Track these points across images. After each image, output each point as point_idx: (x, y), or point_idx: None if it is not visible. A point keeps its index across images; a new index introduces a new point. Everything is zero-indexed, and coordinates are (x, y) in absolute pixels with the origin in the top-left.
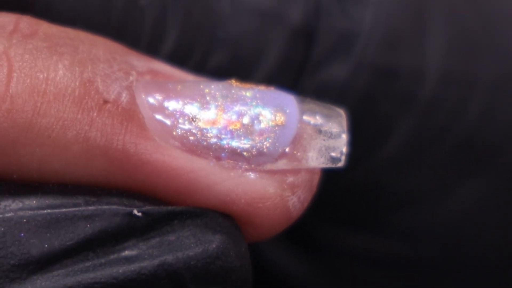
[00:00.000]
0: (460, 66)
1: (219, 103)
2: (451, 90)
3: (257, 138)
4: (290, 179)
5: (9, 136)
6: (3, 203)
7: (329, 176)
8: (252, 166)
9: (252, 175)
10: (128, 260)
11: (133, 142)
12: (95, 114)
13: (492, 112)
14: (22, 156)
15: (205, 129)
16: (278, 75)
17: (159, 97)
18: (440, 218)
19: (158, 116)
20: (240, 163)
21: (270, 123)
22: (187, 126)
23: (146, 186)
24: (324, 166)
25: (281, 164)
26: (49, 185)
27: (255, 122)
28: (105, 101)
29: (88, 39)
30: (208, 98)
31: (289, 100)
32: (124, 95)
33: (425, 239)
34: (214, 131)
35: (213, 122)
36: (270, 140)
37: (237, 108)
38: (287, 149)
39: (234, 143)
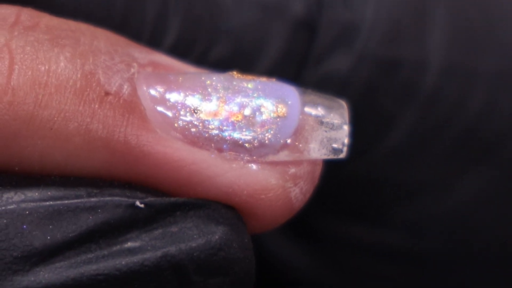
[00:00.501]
0: (461, 59)
1: (221, 95)
2: (453, 82)
3: (258, 129)
4: (292, 170)
5: (11, 128)
6: (5, 195)
7: (331, 167)
8: (254, 157)
9: (254, 166)
10: (131, 251)
11: (134, 134)
12: (96, 106)
13: (493, 104)
14: (24, 148)
15: (207, 120)
16: (280, 67)
17: (160, 89)
18: (442, 210)
19: (160, 108)
20: (242, 155)
21: (272, 115)
22: (188, 117)
23: (148, 178)
24: (326, 157)
25: (283, 156)
26: (51, 177)
27: (257, 113)
28: (107, 93)
29: (90, 31)
30: (209, 89)
31: (290, 91)
32: (125, 87)
33: (427, 230)
34: (216, 123)
35: (215, 114)
36: (271, 132)
37: (239, 99)
38: (288, 141)
39: (236, 135)
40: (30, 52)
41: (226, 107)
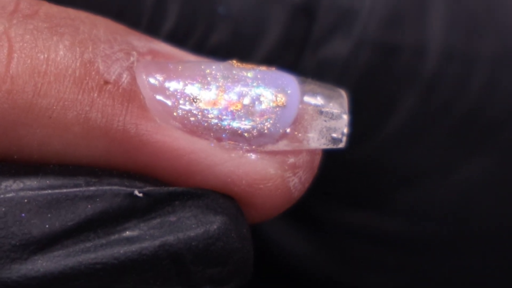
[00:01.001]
0: (461, 42)
1: (220, 84)
2: (453, 66)
3: (258, 119)
4: (291, 160)
5: (10, 116)
6: (4, 184)
7: (331, 154)
8: (253, 147)
9: (253, 156)
10: (129, 240)
11: (133, 123)
12: (95, 94)
13: (494, 88)
14: (23, 136)
15: (206, 109)
16: (280, 52)
17: (159, 77)
18: (444, 196)
19: (159, 97)
20: (241, 144)
21: (271, 104)
22: (188, 107)
23: (147, 167)
24: (325, 147)
25: (282, 145)
26: (50, 166)
27: (256, 103)
28: (106, 82)
29: (89, 19)
30: (209, 78)
31: (290, 80)
32: (124, 75)
33: (428, 216)
34: (215, 112)
35: (214, 103)
36: (271, 121)
37: (238, 88)
38: (288, 130)
39: (235, 124)
40: (29, 40)
41: (226, 96)
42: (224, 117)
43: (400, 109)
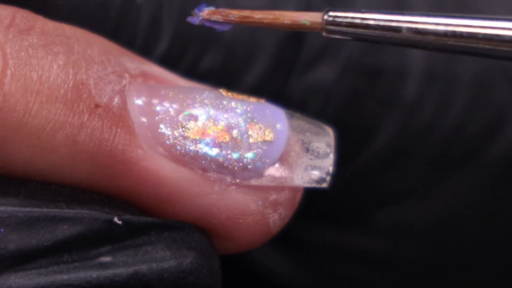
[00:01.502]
0: (442, 64)
1: (210, 114)
2: (433, 88)
3: (245, 152)
4: (273, 196)
5: None
6: None
7: None
8: (237, 180)
9: (236, 190)
10: (103, 266)
11: (120, 149)
12: (85, 118)
13: (474, 109)
14: (9, 154)
15: (194, 139)
16: (269, 75)
17: (150, 103)
18: (424, 216)
19: (148, 123)
20: (225, 176)
21: (259, 139)
22: (176, 135)
23: (129, 193)
24: (308, 185)
25: (266, 181)
26: (33, 183)
27: (244, 136)
28: (97, 105)
29: (84, 38)
30: (199, 108)
31: (279, 115)
32: (116, 99)
33: (409, 236)
34: (203, 142)
35: (202, 133)
36: (257, 156)
37: (227, 120)
38: (273, 166)
39: (222, 156)
40: (24, 57)
41: (214, 128)
42: (212, 148)
43: (382, 131)
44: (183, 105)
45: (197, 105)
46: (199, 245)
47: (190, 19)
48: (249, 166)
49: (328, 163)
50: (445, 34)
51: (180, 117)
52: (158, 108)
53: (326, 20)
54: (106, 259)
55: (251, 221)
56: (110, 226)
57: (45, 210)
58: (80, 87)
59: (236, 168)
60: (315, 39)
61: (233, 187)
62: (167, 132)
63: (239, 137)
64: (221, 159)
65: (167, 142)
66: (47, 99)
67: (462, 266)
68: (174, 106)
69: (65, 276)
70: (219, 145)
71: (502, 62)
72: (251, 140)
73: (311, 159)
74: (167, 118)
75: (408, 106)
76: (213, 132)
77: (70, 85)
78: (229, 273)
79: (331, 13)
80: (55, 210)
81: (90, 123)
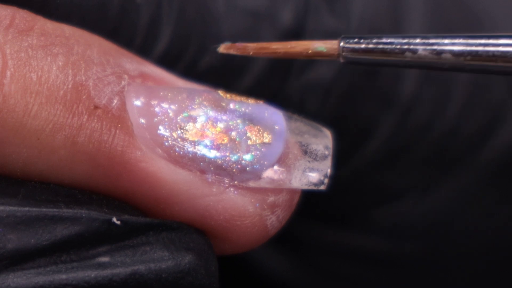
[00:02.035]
0: None
1: (209, 116)
2: (430, 87)
3: (243, 154)
4: (271, 198)
5: None
6: None
7: None
8: (235, 182)
9: (234, 192)
10: (101, 266)
11: (119, 150)
12: (84, 119)
13: (471, 108)
14: (8, 155)
15: (193, 141)
16: (268, 74)
17: (149, 105)
18: (422, 214)
19: (147, 124)
20: (223, 178)
21: (257, 141)
22: (175, 136)
23: (127, 194)
24: (306, 187)
25: (264, 183)
26: (32, 183)
27: (243, 138)
28: (96, 107)
29: (83, 39)
30: (197, 109)
31: (278, 117)
32: (115, 101)
33: (407, 235)
34: (201, 144)
35: (201, 135)
36: (256, 158)
37: (226, 122)
38: (271, 168)
39: (220, 158)
40: (23, 58)
41: (213, 129)
42: (210, 150)
43: (380, 130)
44: (182, 106)
45: (195, 106)
46: (197, 245)
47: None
48: (247, 168)
49: (326, 165)
50: (462, 53)
51: (179, 119)
52: (157, 109)
53: (343, 48)
54: (105, 259)
55: (249, 223)
56: (108, 226)
57: (44, 210)
58: (80, 88)
59: (234, 170)
60: (313, 38)
61: (231, 189)
62: (166, 133)
63: (237, 139)
64: (219, 161)
65: (166, 143)
66: (46, 100)
67: (460, 264)
68: (173, 107)
69: (64, 276)
70: (217, 147)
71: None
72: (249, 142)
73: (309, 161)
74: (166, 119)
75: (405, 105)
76: (212, 134)
77: (70, 86)
78: (228, 272)
79: (347, 40)
80: (54, 210)
81: (89, 125)
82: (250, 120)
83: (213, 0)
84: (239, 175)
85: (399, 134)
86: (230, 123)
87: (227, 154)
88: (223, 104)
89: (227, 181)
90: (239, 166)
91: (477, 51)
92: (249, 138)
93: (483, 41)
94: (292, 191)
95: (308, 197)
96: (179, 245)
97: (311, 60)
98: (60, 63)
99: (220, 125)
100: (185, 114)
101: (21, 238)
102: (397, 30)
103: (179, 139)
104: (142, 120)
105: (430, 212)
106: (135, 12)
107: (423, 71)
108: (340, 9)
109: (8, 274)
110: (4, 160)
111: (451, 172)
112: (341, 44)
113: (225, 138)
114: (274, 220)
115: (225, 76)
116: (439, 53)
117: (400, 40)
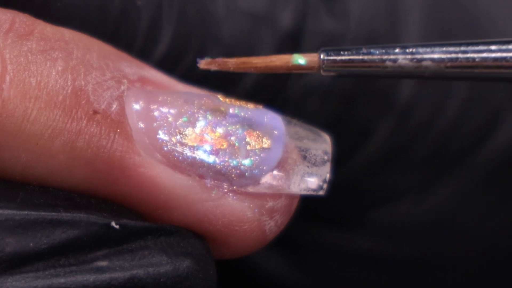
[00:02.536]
0: None
1: (208, 120)
2: (428, 89)
3: (242, 159)
4: (270, 204)
5: None
6: None
7: None
8: (234, 187)
9: (232, 197)
10: (100, 270)
11: (118, 155)
12: (83, 124)
13: (469, 109)
14: (7, 159)
15: (192, 146)
16: (267, 77)
17: (148, 109)
18: (421, 215)
19: (146, 129)
20: (222, 183)
21: (257, 146)
22: (174, 141)
23: (126, 198)
24: (305, 193)
25: (263, 188)
26: (31, 186)
27: (242, 143)
28: (95, 112)
29: (83, 43)
30: (196, 114)
31: (277, 122)
32: (114, 106)
33: (404, 236)
34: (200, 149)
35: (200, 140)
36: (255, 163)
37: (225, 127)
38: (270, 173)
39: (219, 163)
40: (23, 63)
41: (212, 134)
42: (209, 155)
43: (378, 132)
44: (181, 111)
45: (195, 111)
46: (195, 250)
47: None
48: (246, 173)
49: (325, 170)
50: (442, 60)
51: (178, 123)
52: (156, 114)
53: (322, 60)
54: (103, 263)
55: (247, 228)
56: (107, 230)
57: (43, 213)
58: (79, 93)
59: (233, 175)
60: (312, 41)
61: (230, 194)
62: (165, 138)
63: (236, 144)
64: (218, 166)
65: (165, 148)
66: (45, 105)
67: (460, 264)
68: (172, 112)
69: (62, 280)
70: (216, 152)
71: None
72: (248, 147)
73: (308, 166)
74: (165, 124)
75: (404, 105)
76: (211, 139)
77: (69, 91)
78: (227, 275)
79: (327, 53)
80: (53, 213)
81: (88, 130)
82: (249, 125)
83: (213, 2)
84: (238, 180)
85: (398, 135)
86: (229, 128)
87: (226, 159)
88: (223, 109)
89: (226, 186)
90: (238, 171)
91: (457, 58)
92: (248, 143)
93: (462, 48)
94: (291, 196)
95: (307, 199)
96: (178, 250)
97: None
98: (60, 68)
99: (219, 130)
100: (184, 118)
101: (20, 242)
102: (395, 31)
103: (178, 144)
104: (141, 125)
105: (429, 213)
106: (135, 15)
107: None
108: (339, 10)
109: (6, 278)
110: (3, 165)
111: (450, 172)
112: (321, 56)
113: (224, 143)
114: (272, 225)
115: (224, 79)
116: (419, 60)
117: (380, 50)
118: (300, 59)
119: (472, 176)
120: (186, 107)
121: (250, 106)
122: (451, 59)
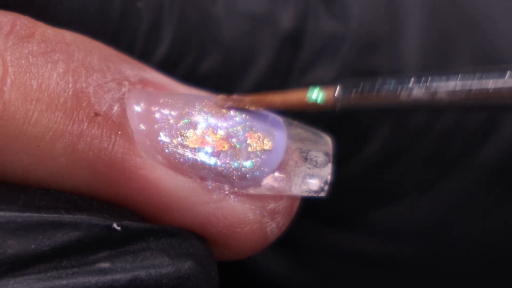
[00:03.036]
0: (436, 63)
1: (209, 122)
2: None
3: (243, 161)
4: (271, 205)
5: None
6: None
7: None
8: (236, 189)
9: (234, 199)
10: (102, 271)
11: (119, 157)
12: (85, 126)
13: (469, 109)
14: (8, 162)
15: (193, 148)
16: (268, 78)
17: (149, 111)
18: (421, 216)
19: (147, 131)
20: (224, 185)
21: (258, 148)
22: (175, 143)
23: (127, 200)
24: (306, 194)
25: (264, 190)
26: (32, 189)
27: (243, 145)
28: (96, 114)
29: (84, 45)
30: (198, 116)
31: (278, 124)
32: (115, 108)
33: (405, 236)
34: (202, 151)
35: (201, 142)
36: (256, 165)
37: (226, 129)
38: (272, 175)
39: (220, 165)
40: (24, 65)
41: (213, 136)
42: (210, 157)
43: (379, 132)
44: (182, 113)
45: (196, 113)
46: (196, 251)
47: None
48: (247, 175)
49: (326, 172)
50: (456, 92)
51: (179, 125)
52: (157, 115)
53: (337, 98)
54: (105, 265)
55: (249, 230)
56: (108, 232)
57: (44, 215)
58: (80, 95)
59: (234, 177)
60: (312, 42)
61: (231, 196)
62: (166, 140)
63: (237, 146)
64: (219, 168)
65: (166, 150)
66: (46, 107)
67: (460, 265)
68: (173, 113)
69: (64, 282)
70: (217, 154)
71: None
72: (250, 149)
73: (309, 168)
74: (166, 126)
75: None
76: (212, 140)
77: (70, 93)
78: (228, 276)
79: (343, 90)
80: (54, 215)
81: (89, 132)
82: (250, 126)
83: (213, 4)
84: (239, 182)
85: (398, 135)
86: (231, 129)
87: (228, 161)
88: (224, 110)
89: (227, 188)
90: (239, 173)
91: (471, 90)
92: (249, 145)
93: (476, 78)
94: (292, 197)
95: (308, 200)
96: (179, 251)
97: (311, 62)
98: (61, 70)
99: (221, 132)
100: (186, 120)
101: (22, 244)
102: (395, 31)
103: (179, 146)
104: (143, 127)
105: (429, 213)
106: (136, 16)
107: (420, 72)
108: (339, 12)
109: (8, 280)
110: (4, 167)
111: (450, 173)
112: (336, 94)
113: (225, 145)
114: (274, 227)
115: (225, 80)
116: (434, 93)
117: (395, 84)
118: (315, 95)
119: (472, 176)
120: (187, 109)
121: (251, 107)
122: (465, 91)
